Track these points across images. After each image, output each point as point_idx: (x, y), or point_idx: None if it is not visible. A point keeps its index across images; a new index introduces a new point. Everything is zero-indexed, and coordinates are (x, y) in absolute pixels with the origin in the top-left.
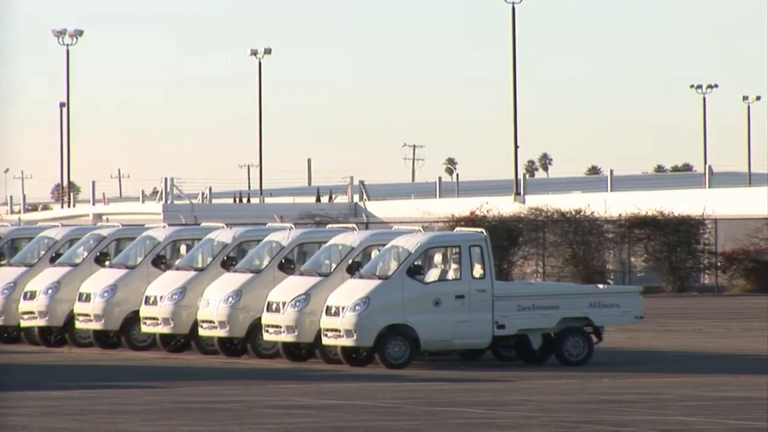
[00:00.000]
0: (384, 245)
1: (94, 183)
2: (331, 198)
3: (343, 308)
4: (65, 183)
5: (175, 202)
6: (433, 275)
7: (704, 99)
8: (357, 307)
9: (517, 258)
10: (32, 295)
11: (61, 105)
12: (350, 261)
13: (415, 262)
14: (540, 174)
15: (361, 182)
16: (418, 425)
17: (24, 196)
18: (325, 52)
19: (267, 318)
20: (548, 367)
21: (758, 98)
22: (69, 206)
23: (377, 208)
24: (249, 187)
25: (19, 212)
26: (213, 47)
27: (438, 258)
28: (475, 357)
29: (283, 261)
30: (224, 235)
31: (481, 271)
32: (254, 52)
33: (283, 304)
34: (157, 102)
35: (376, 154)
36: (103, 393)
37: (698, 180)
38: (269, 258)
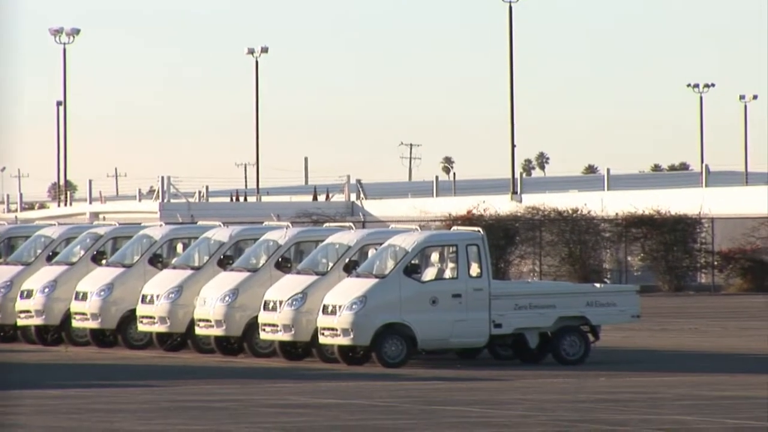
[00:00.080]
0: (381, 244)
1: (90, 181)
2: (328, 197)
3: (339, 307)
4: (62, 181)
5: (172, 200)
6: (430, 274)
7: (701, 98)
8: (354, 306)
9: (514, 257)
10: (29, 294)
11: (58, 103)
12: (347, 260)
13: (412, 261)
14: (537, 173)
15: (358, 181)
16: (415, 424)
17: (21, 195)
18: (322, 51)
19: (264, 317)
20: (545, 366)
21: (755, 97)
22: (66, 205)
23: (374, 207)
24: (246, 185)
25: (16, 211)
26: (210, 46)
27: (435, 257)
28: (472, 356)
29: (279, 260)
30: (221, 233)
31: (478, 270)
32: (251, 51)
33: (280, 302)
34: (153, 101)
35: (373, 152)
36: (100, 392)
37: (695, 179)
38: (266, 257)
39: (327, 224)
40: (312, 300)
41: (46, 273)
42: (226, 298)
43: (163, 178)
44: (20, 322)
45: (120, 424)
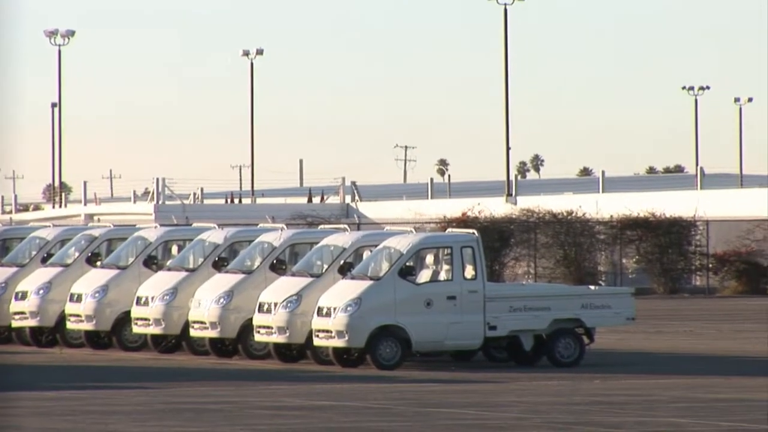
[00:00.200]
0: (376, 246)
1: (85, 183)
2: (322, 199)
3: (334, 309)
4: (57, 183)
5: (167, 202)
6: (424, 276)
7: (696, 100)
8: (348, 308)
9: (509, 259)
10: (23, 296)
11: (53, 105)
12: (342, 262)
13: (407, 263)
14: (532, 175)
15: (353, 183)
16: (410, 426)
17: (15, 196)
18: (318, 53)
19: (258, 319)
20: (540, 368)
21: (750, 100)
22: (60, 206)
23: (369, 209)
24: (241, 187)
25: (11, 212)
26: (205, 48)
27: (430, 259)
28: (467, 358)
29: (274, 262)
30: (216, 235)
31: (473, 272)
32: (246, 53)
33: (275, 304)
34: (148, 103)
35: (367, 155)
36: (95, 393)
37: (690, 181)
38: (261, 259)
39: (322, 226)
40: (307, 302)
41: (41, 275)
42: (221, 300)
43: (158, 179)
44: (15, 324)
45: (115, 426)
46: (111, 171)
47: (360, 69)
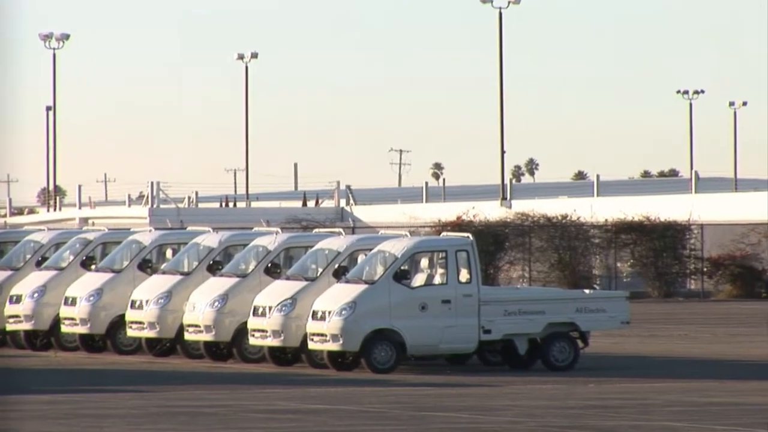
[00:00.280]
0: (370, 250)
1: (80, 187)
2: (317, 202)
3: (329, 313)
4: (51, 187)
5: (162, 206)
6: (419, 280)
7: (691, 105)
8: (343, 312)
9: (504, 263)
10: (18, 299)
11: (48, 108)
12: (337, 265)
13: (402, 267)
14: (526, 179)
15: (348, 187)
16: (405, 430)
17: (10, 200)
18: (313, 56)
19: (253, 322)
20: (534, 372)
21: (744, 104)
22: (55, 210)
23: (364, 213)
24: (235, 191)
25: (5, 216)
26: (200, 51)
27: (424, 263)
28: (462, 362)
29: (269, 265)
30: (210, 239)
31: (468, 276)
32: (241, 57)
33: (270, 308)
34: (143, 106)
35: (362, 158)
36: (89, 397)
37: (684, 185)
38: (255, 262)
39: (316, 230)
40: (301, 306)
41: (36, 278)
42: (216, 304)
43: (152, 183)
44: (9, 327)
45: (109, 430)
46: (106, 175)
47: (355, 72)
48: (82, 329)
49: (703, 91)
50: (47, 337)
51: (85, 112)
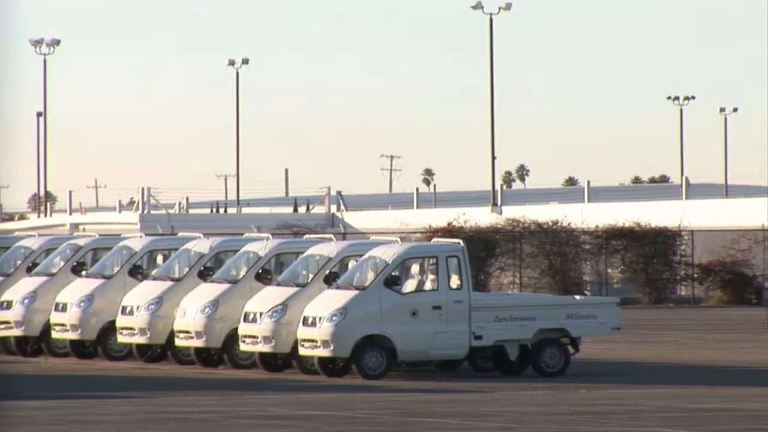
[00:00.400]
0: (361, 256)
1: (71, 192)
2: (308, 208)
3: (320, 319)
4: (42, 192)
5: (152, 212)
6: (410, 286)
7: (681, 110)
8: (334, 318)
9: (494, 269)
10: (8, 305)
11: (38, 114)
12: (327, 271)
13: (393, 273)
14: (517, 185)
15: (339, 193)
16: None
17: (0, 206)
18: (304, 62)
19: (244, 328)
20: (525, 378)
21: (735, 110)
22: (46, 216)
23: (354, 219)
24: (226, 197)
25: None
26: (191, 57)
27: (415, 269)
28: (452, 368)
29: (260, 271)
30: (201, 245)
31: (458, 282)
32: (232, 62)
33: (260, 314)
34: (134, 112)
35: (353, 164)
36: (79, 403)
37: (675, 191)
38: (246, 268)
39: (307, 236)
40: (292, 312)
41: (26, 284)
42: (206, 310)
43: (143, 189)
44: (0, 334)
45: None
46: (96, 180)
47: (346, 79)
48: (72, 335)
49: (693, 97)
50: (38, 343)
51: (76, 117)
